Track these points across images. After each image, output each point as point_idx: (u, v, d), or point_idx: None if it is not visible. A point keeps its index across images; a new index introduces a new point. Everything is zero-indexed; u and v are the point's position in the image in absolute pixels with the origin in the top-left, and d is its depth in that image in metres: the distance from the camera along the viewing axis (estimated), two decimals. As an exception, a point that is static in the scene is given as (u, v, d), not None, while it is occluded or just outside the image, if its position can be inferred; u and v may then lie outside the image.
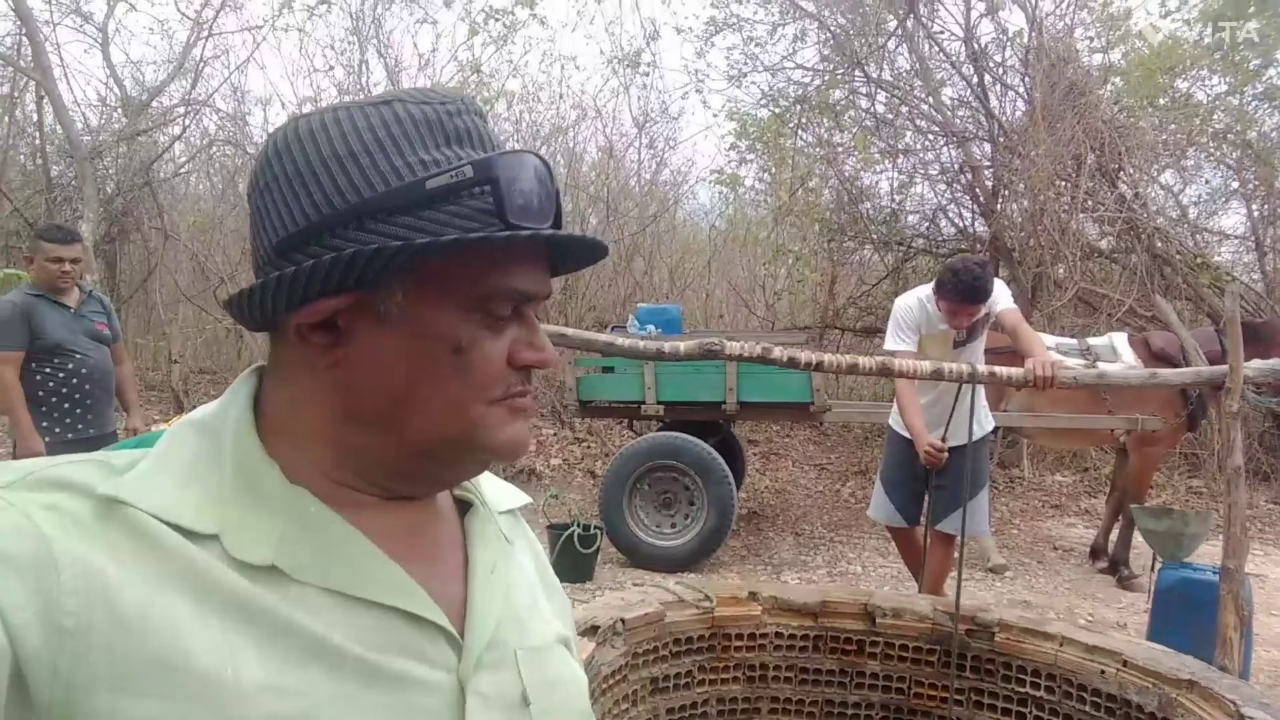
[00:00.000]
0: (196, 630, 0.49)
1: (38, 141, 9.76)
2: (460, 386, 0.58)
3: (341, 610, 0.54)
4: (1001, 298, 3.45)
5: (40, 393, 3.50)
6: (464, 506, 0.69)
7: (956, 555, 3.18)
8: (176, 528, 0.51)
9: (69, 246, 3.56)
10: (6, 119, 10.25)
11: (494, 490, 0.74)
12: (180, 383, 8.29)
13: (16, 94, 10.02)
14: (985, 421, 3.58)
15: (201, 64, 9.99)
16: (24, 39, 8.69)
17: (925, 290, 3.55)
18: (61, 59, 11.72)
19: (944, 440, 3.43)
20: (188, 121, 10.03)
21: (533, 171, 0.58)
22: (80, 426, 3.61)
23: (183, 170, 10.80)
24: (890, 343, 3.57)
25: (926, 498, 3.67)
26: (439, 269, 0.57)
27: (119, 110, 10.06)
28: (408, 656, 0.56)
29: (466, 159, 0.57)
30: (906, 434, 3.63)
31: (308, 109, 0.73)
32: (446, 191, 0.56)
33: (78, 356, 3.56)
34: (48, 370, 3.51)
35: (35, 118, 9.76)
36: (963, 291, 3.28)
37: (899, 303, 3.65)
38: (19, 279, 4.58)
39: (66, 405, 3.57)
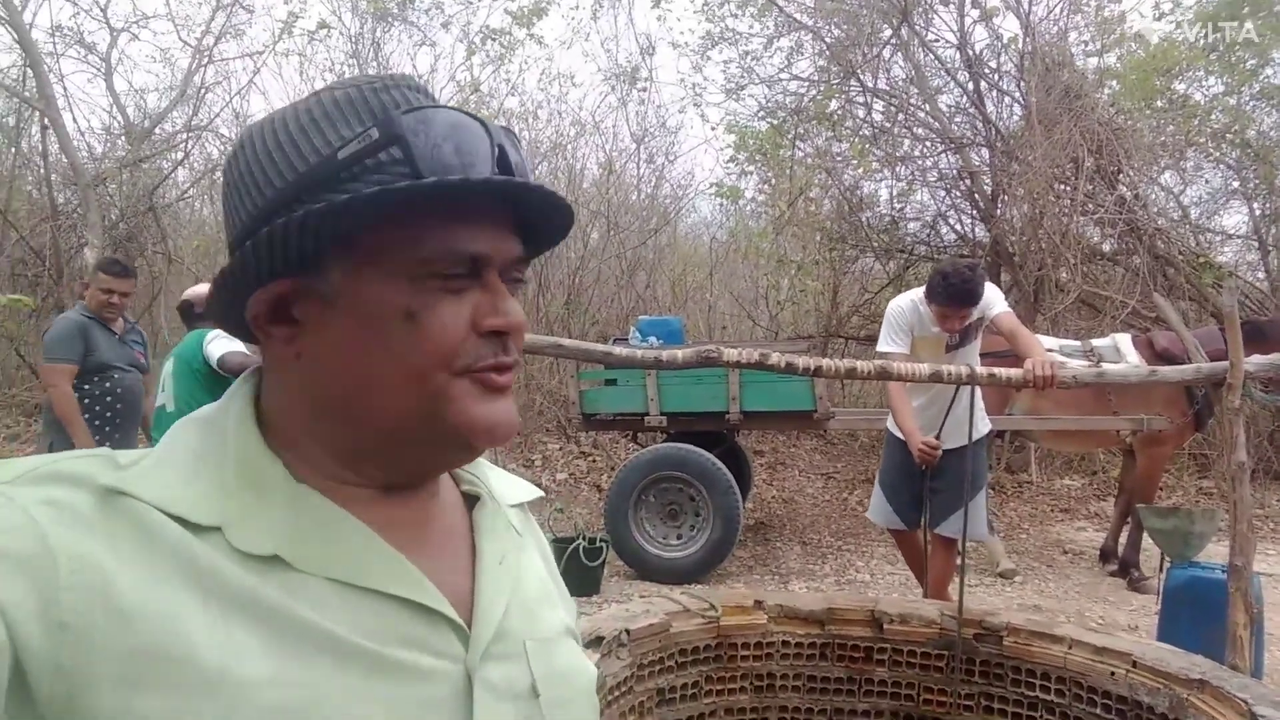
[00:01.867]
0: (198, 623, 0.49)
1: (43, 171, 9.85)
2: (418, 355, 0.56)
3: (345, 601, 0.54)
4: (995, 302, 3.44)
5: (81, 404, 3.75)
6: (472, 500, 0.69)
7: (959, 559, 3.16)
8: (178, 519, 0.51)
9: (122, 280, 3.88)
10: (12, 150, 10.35)
11: (502, 483, 0.73)
12: (186, 406, 8.30)
13: (22, 125, 10.13)
14: (981, 424, 3.58)
15: (203, 90, 10.08)
16: (28, 70, 8.78)
17: (918, 292, 3.56)
18: (65, 89, 11.85)
19: (938, 439, 3.44)
20: (190, 147, 10.11)
21: (448, 124, 0.56)
22: (109, 445, 3.73)
23: (186, 195, 10.89)
24: (883, 344, 3.58)
25: (926, 501, 3.65)
26: (373, 241, 0.56)
27: (122, 138, 10.16)
28: (413, 647, 0.55)
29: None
30: (902, 436, 3.63)
31: None
32: (359, 157, 0.54)
33: (116, 377, 3.84)
34: (87, 386, 3.77)
35: (40, 147, 9.85)
36: (952, 295, 3.28)
37: (892, 305, 3.66)
38: (21, 304, 4.67)
39: (100, 422, 3.81)
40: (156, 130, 10.05)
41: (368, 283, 0.56)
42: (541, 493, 0.78)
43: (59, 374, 3.70)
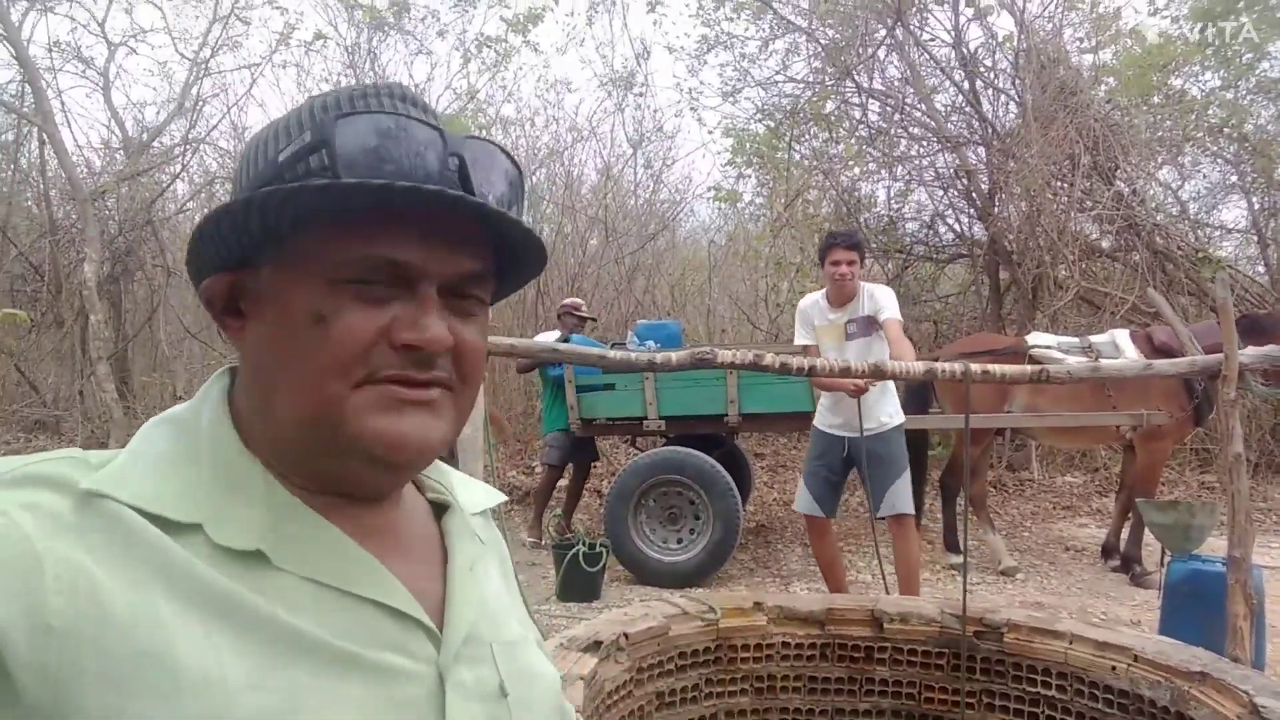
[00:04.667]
0: (179, 627, 0.49)
1: (41, 187, 9.89)
2: (319, 359, 0.55)
3: (321, 602, 0.55)
4: (889, 306, 3.90)
5: None
6: (439, 508, 0.70)
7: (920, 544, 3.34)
8: (158, 518, 0.52)
9: None
10: (10, 166, 10.40)
11: (466, 491, 0.74)
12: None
13: (21, 141, 10.18)
14: (896, 415, 4.03)
15: (200, 103, 10.12)
16: (26, 86, 8.82)
17: (818, 293, 4.13)
18: (63, 104, 11.91)
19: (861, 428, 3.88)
20: (188, 160, 10.15)
21: (379, 130, 0.55)
22: None
23: (185, 209, 10.92)
24: (797, 339, 4.14)
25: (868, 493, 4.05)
26: (300, 242, 0.56)
27: (120, 152, 10.20)
28: (388, 649, 0.56)
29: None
30: (827, 430, 4.10)
31: None
32: (292, 160, 0.55)
33: None
34: None
35: (39, 163, 9.89)
36: (835, 239, 3.98)
37: (799, 304, 4.21)
38: (17, 320, 4.69)
39: None
40: (154, 144, 10.09)
41: (288, 282, 0.56)
42: (504, 497, 0.79)
43: None
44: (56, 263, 9.60)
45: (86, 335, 8.82)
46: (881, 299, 3.93)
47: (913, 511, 3.91)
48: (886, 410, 4.00)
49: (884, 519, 3.99)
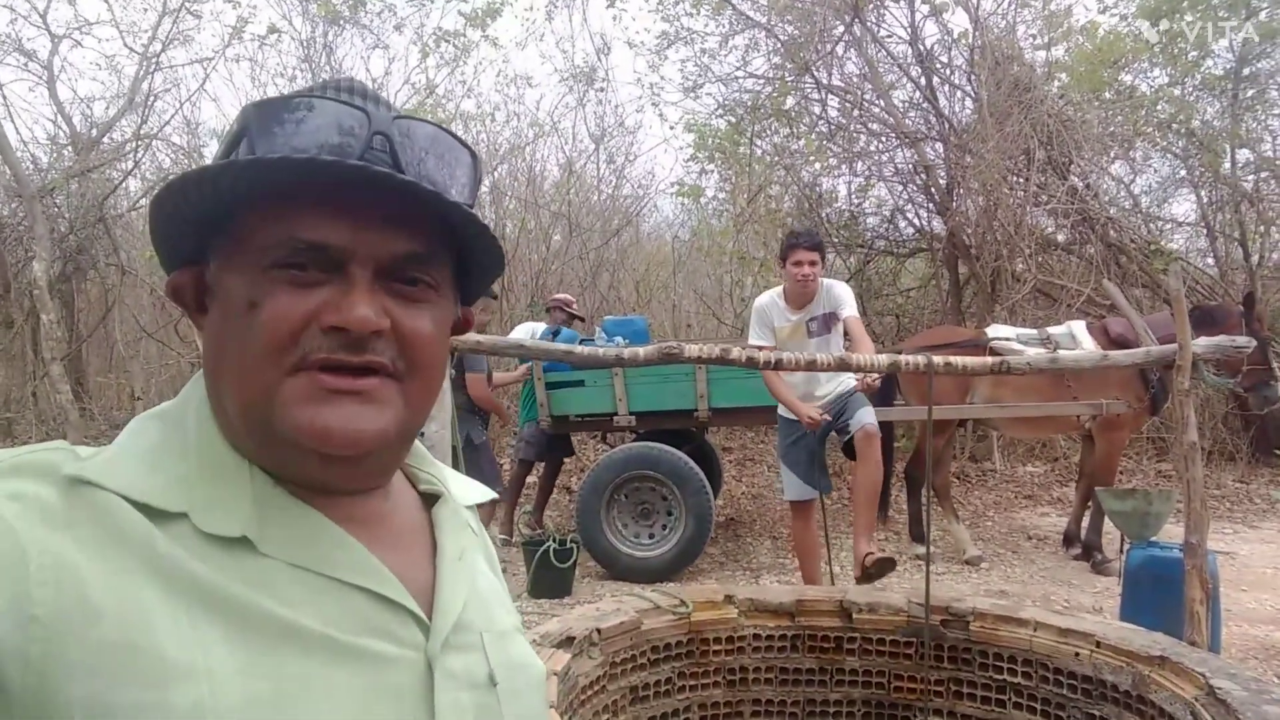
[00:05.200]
0: (164, 616, 0.49)
1: (-14, 183, 9.59)
2: (252, 346, 0.54)
3: (309, 589, 0.55)
4: (848, 303, 3.98)
5: None
6: (430, 498, 0.70)
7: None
8: (144, 507, 0.52)
9: None
10: (-48, 162, 10.07)
11: (459, 485, 0.75)
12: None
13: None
14: (852, 380, 4.02)
15: (152, 98, 9.86)
16: (-34, 80, 8.53)
17: (775, 290, 4.12)
18: (4, 97, 11.55)
19: (821, 413, 3.86)
20: (140, 156, 9.89)
21: (293, 113, 0.55)
22: None
23: (138, 205, 10.66)
24: (752, 338, 4.10)
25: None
26: (236, 231, 0.56)
27: (69, 148, 9.91)
28: (376, 636, 0.56)
29: None
30: (791, 416, 4.05)
31: None
32: (225, 151, 0.56)
33: None
34: None
35: (-18, 159, 9.58)
36: (797, 239, 3.95)
37: (755, 304, 4.19)
38: None
39: None
40: (105, 139, 9.82)
41: (228, 271, 0.57)
42: (495, 495, 0.79)
43: None
44: (3, 261, 9.31)
45: (38, 336, 8.59)
46: (841, 295, 3.98)
47: (876, 426, 3.90)
48: (843, 380, 4.04)
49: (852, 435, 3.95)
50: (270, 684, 0.51)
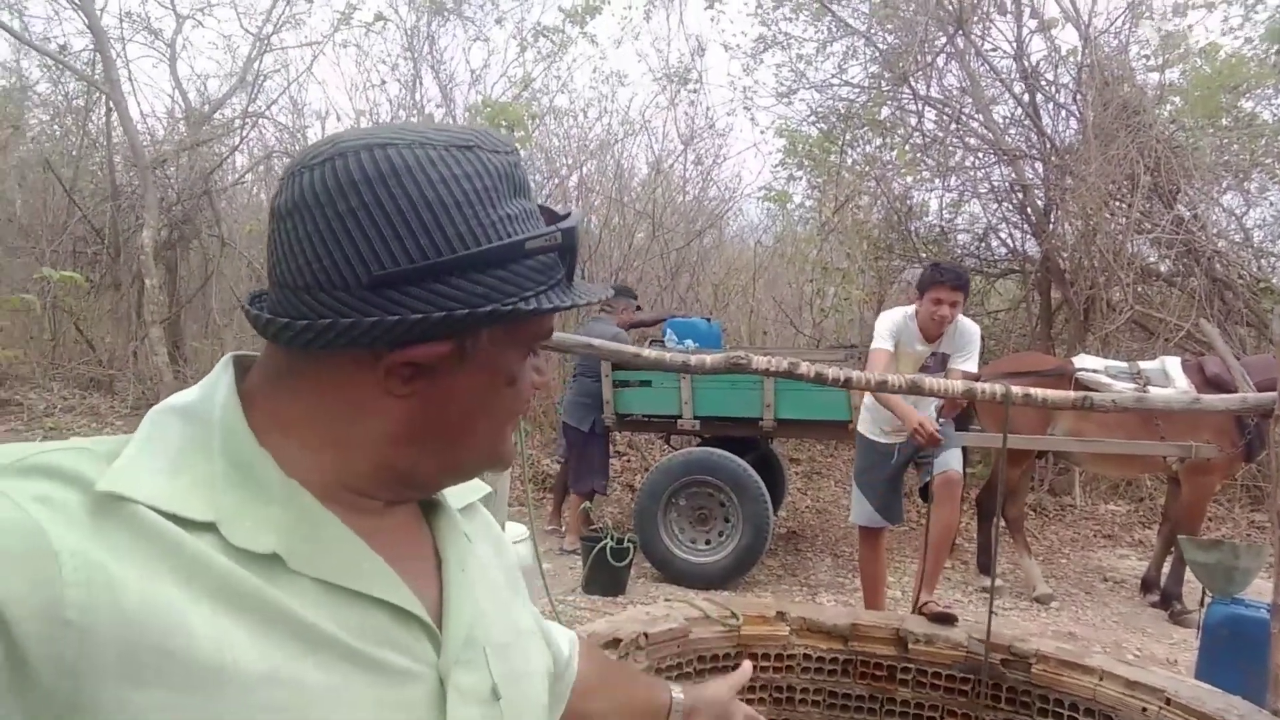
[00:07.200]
0: (195, 620, 0.50)
1: (106, 153, 10.14)
2: (505, 414, 0.66)
3: (332, 601, 0.56)
4: (970, 354, 3.83)
5: None
6: (428, 507, 0.71)
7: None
8: (172, 517, 0.52)
9: None
10: (80, 131, 10.67)
11: (452, 489, 0.75)
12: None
13: (89, 107, 10.44)
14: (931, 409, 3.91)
15: (262, 78, 10.28)
16: (97, 55, 9.04)
17: (909, 309, 3.89)
18: (130, 73, 12.20)
19: (933, 425, 3.63)
20: (247, 133, 10.32)
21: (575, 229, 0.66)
22: None
23: (242, 180, 11.12)
24: (876, 342, 3.90)
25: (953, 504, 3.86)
26: (526, 318, 0.63)
27: (183, 122, 10.42)
28: (394, 649, 0.58)
29: (536, 215, 0.64)
30: (875, 438, 3.98)
31: (364, 123, 0.78)
32: (539, 252, 0.62)
33: None
34: None
35: (105, 128, 10.14)
36: (945, 274, 3.74)
37: (884, 314, 4.00)
38: (72, 281, 4.81)
39: None
40: (215, 115, 10.28)
41: (502, 349, 0.64)
42: (490, 489, 0.80)
43: None
44: (117, 227, 9.84)
45: (142, 299, 9.04)
46: (966, 343, 3.83)
47: (961, 474, 3.76)
48: (929, 407, 3.90)
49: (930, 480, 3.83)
50: (291, 690, 0.52)
